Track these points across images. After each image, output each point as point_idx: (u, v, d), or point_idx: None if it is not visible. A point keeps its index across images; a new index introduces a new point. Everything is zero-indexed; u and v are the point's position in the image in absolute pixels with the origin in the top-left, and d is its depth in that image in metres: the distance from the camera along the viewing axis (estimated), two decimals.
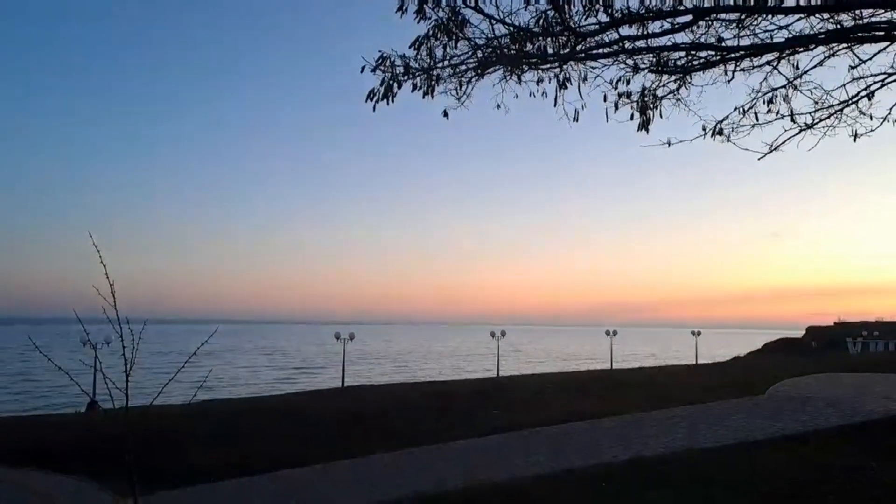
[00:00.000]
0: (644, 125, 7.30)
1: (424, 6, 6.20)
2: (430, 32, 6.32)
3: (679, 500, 6.68)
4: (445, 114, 7.04)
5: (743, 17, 6.65)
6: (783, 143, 7.53)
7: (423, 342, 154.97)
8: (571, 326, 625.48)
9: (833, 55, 7.07)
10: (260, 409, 17.53)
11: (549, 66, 6.84)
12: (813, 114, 7.50)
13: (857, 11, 6.49)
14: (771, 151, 7.60)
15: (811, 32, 6.64)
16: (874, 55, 7.01)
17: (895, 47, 6.79)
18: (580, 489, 7.51)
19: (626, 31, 6.56)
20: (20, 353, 77.52)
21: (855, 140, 7.47)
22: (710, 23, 6.72)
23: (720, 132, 7.55)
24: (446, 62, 6.62)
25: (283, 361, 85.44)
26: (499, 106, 7.10)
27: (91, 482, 10.26)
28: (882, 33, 6.51)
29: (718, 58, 7.01)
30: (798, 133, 7.54)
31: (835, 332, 78.81)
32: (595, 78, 7.01)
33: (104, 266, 4.22)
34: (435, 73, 6.66)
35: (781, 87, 7.42)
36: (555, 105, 6.92)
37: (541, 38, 6.52)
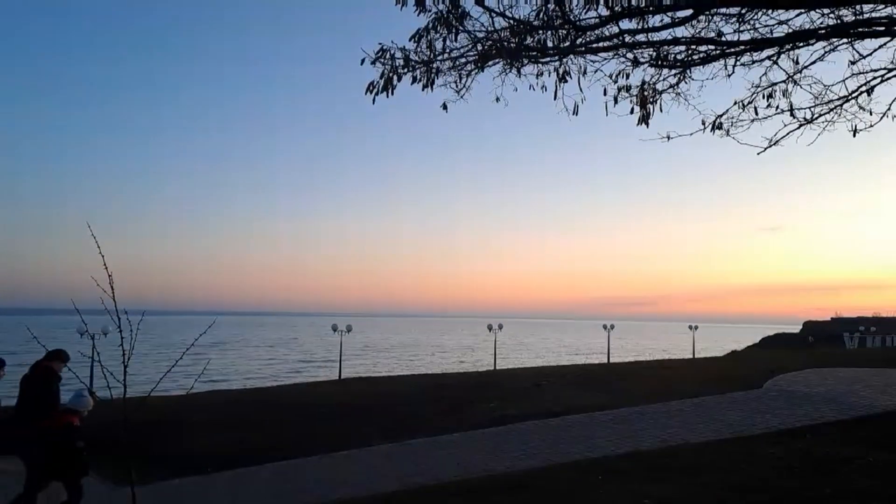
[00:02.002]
0: (644, 119, 7.30)
1: None
2: (430, 25, 6.30)
3: (676, 494, 6.71)
4: (444, 106, 7.05)
5: (743, 11, 6.65)
6: (783, 137, 7.54)
7: (423, 335, 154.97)
8: (568, 319, 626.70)
9: (833, 50, 7.07)
10: (258, 399, 17.58)
11: (548, 59, 6.82)
12: (812, 109, 7.51)
13: (858, 7, 6.49)
14: (770, 146, 7.61)
15: (811, 27, 6.64)
16: (874, 51, 7.03)
17: (895, 43, 6.79)
18: (578, 482, 7.55)
19: (626, 24, 6.57)
20: (20, 345, 77.44)
21: (854, 135, 7.49)
22: (710, 17, 6.72)
23: (720, 126, 7.55)
24: (446, 55, 6.60)
25: (284, 353, 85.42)
26: (498, 99, 7.11)
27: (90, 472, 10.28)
28: (882, 28, 6.51)
29: (718, 52, 7.01)
30: (798, 128, 7.56)
31: (832, 327, 79.20)
32: (595, 72, 7.02)
33: (102, 256, 4.22)
34: (435, 65, 6.65)
35: (781, 81, 7.43)
36: (554, 98, 6.92)
37: (541, 31, 6.50)
